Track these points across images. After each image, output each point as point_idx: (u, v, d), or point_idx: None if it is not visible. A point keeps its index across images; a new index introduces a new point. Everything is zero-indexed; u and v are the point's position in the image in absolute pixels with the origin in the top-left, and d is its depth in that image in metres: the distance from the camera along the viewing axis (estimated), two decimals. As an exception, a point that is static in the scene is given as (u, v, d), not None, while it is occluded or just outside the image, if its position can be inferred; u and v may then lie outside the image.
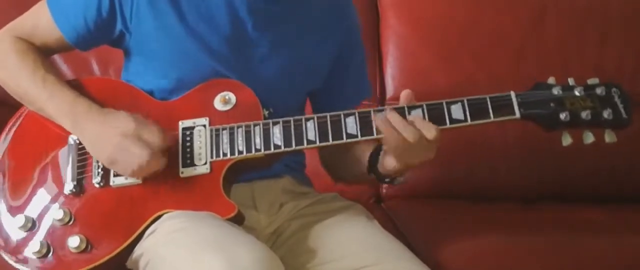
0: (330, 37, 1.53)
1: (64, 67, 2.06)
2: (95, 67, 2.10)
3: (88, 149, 1.38)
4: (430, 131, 1.30)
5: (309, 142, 1.35)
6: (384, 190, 2.13)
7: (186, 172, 1.36)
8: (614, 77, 2.13)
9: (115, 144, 1.31)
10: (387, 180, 1.44)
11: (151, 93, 1.46)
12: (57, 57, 2.02)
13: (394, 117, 1.31)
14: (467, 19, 2.16)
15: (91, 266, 1.32)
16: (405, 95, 1.35)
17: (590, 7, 2.17)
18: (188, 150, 1.38)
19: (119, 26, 1.43)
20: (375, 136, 1.34)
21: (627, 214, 1.96)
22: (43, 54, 1.47)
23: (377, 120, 1.32)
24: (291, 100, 1.51)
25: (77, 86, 1.43)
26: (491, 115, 1.33)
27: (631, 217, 1.94)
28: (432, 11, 2.17)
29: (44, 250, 1.34)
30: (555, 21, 2.16)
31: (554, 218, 1.93)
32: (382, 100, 2.16)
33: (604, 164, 2.06)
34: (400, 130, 1.29)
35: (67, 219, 1.36)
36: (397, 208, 2.02)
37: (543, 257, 1.66)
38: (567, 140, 1.34)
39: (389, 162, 1.37)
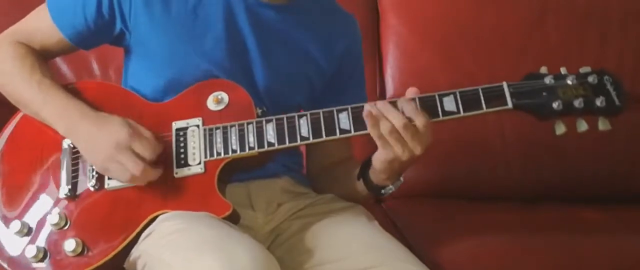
0: (327, 53, 1.53)
1: (64, 67, 2.07)
2: (95, 67, 2.10)
3: (82, 153, 1.38)
4: (419, 118, 1.29)
5: (303, 138, 1.35)
6: (384, 191, 2.13)
7: (180, 173, 1.37)
8: (614, 76, 2.14)
9: (108, 154, 1.32)
10: (375, 189, 1.43)
11: (147, 93, 1.46)
12: (56, 58, 2.02)
13: (383, 105, 1.30)
14: (468, 19, 2.16)
15: (88, 269, 1.32)
16: (411, 92, 1.34)
17: (590, 7, 2.17)
18: (182, 150, 1.38)
19: (118, 25, 1.44)
20: (369, 131, 1.33)
21: (627, 215, 1.96)
22: (42, 58, 1.48)
23: (366, 107, 1.31)
24: (284, 107, 1.49)
25: (72, 90, 1.44)
26: (484, 106, 1.32)
27: (631, 218, 1.94)
28: (432, 11, 2.17)
29: (41, 255, 1.34)
30: (555, 21, 2.16)
31: (554, 218, 1.93)
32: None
33: (603, 164, 2.06)
34: (390, 117, 1.28)
35: (62, 223, 1.36)
36: (397, 208, 2.02)
37: (543, 257, 1.66)
38: (560, 129, 1.33)
39: (377, 157, 1.35)
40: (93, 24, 1.44)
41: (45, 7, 1.47)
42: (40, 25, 1.47)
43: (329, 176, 1.57)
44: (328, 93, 1.56)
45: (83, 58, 2.07)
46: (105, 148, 1.32)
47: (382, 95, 2.16)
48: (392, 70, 2.16)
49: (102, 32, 1.46)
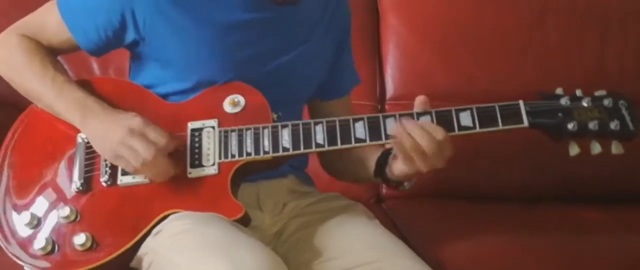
0: (332, 31, 1.55)
1: (64, 67, 2.06)
2: (95, 66, 2.10)
3: (93, 144, 1.38)
4: (438, 133, 1.30)
5: (318, 145, 1.35)
6: (384, 191, 2.13)
7: (194, 173, 1.36)
8: (614, 77, 2.15)
9: (120, 138, 1.31)
10: (393, 184, 1.44)
11: (166, 96, 1.46)
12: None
13: (408, 123, 1.31)
14: (468, 19, 2.16)
15: (96, 264, 1.32)
16: (420, 101, 1.35)
17: (590, 7, 2.17)
18: (196, 151, 1.38)
19: (131, 35, 1.43)
20: (384, 141, 1.34)
21: (627, 215, 1.96)
22: (50, 53, 1.47)
23: (393, 126, 1.32)
24: (305, 96, 1.53)
25: (87, 86, 1.44)
26: (500, 123, 1.34)
27: (631, 218, 1.94)
28: (432, 11, 2.17)
29: (50, 248, 1.34)
30: (555, 21, 2.16)
31: (554, 218, 1.93)
32: (382, 101, 2.15)
33: (604, 164, 2.03)
34: (416, 136, 1.29)
35: (73, 217, 1.36)
36: (397, 208, 2.02)
37: (543, 257, 1.66)
38: (574, 150, 1.34)
39: (398, 167, 1.37)
40: (104, 33, 1.43)
41: (54, 6, 1.45)
42: (48, 23, 1.46)
43: (342, 159, 1.56)
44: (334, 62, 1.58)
45: (83, 58, 2.06)
46: (118, 134, 1.32)
47: (382, 96, 2.16)
48: (392, 71, 2.16)
49: (113, 41, 1.45)
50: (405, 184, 1.45)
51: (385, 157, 1.42)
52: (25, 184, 1.41)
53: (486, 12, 2.16)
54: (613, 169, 2.07)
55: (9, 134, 1.47)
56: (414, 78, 2.13)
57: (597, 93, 1.37)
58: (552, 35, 2.15)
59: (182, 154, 1.37)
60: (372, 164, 1.46)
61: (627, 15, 2.18)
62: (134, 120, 1.33)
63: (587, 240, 1.76)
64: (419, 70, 2.14)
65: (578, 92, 1.37)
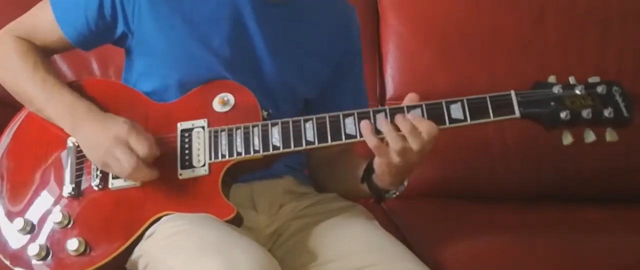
0: (331, 45, 1.54)
1: (64, 67, 2.07)
2: (95, 66, 2.10)
3: (84, 150, 1.38)
4: (422, 124, 1.28)
5: (308, 142, 1.34)
6: (384, 191, 2.13)
7: (185, 174, 1.36)
8: (614, 76, 2.13)
9: (106, 148, 1.32)
10: (379, 192, 1.44)
11: (152, 94, 1.46)
12: (56, 57, 2.02)
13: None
14: (468, 19, 2.16)
15: (90, 269, 1.32)
16: (410, 98, 1.34)
17: (590, 7, 2.17)
18: (187, 152, 1.38)
19: (121, 27, 1.44)
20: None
21: (627, 214, 1.96)
22: (44, 54, 1.47)
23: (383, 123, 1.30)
24: (289, 106, 1.51)
25: (77, 88, 1.44)
26: (491, 114, 1.32)
27: (631, 217, 1.94)
28: (432, 11, 2.17)
29: (43, 253, 1.34)
30: (555, 21, 2.16)
31: (554, 218, 1.93)
32: (382, 100, 2.16)
33: (603, 164, 2.06)
34: (407, 135, 1.27)
35: (66, 222, 1.36)
36: (397, 208, 2.02)
37: (543, 257, 1.66)
38: (567, 139, 1.33)
39: (375, 162, 1.36)
40: (95, 25, 1.43)
41: (47, 3, 1.46)
42: (42, 21, 1.47)
43: (329, 171, 1.56)
44: (332, 83, 1.56)
45: (83, 58, 2.07)
46: (105, 143, 1.32)
47: (382, 96, 2.16)
48: (392, 71, 2.16)
49: (103, 34, 1.45)
50: (391, 191, 1.43)
51: (372, 166, 1.41)
52: (17, 190, 1.42)
53: (486, 12, 2.16)
54: (613, 168, 2.08)
55: (1, 137, 1.48)
56: (414, 78, 2.13)
57: (591, 80, 1.34)
58: (552, 35, 2.15)
59: (172, 155, 1.37)
60: (360, 171, 1.45)
61: (627, 15, 2.18)
62: (121, 128, 1.33)
63: (587, 240, 1.75)
64: (419, 70, 2.14)
65: (571, 80, 1.35)
